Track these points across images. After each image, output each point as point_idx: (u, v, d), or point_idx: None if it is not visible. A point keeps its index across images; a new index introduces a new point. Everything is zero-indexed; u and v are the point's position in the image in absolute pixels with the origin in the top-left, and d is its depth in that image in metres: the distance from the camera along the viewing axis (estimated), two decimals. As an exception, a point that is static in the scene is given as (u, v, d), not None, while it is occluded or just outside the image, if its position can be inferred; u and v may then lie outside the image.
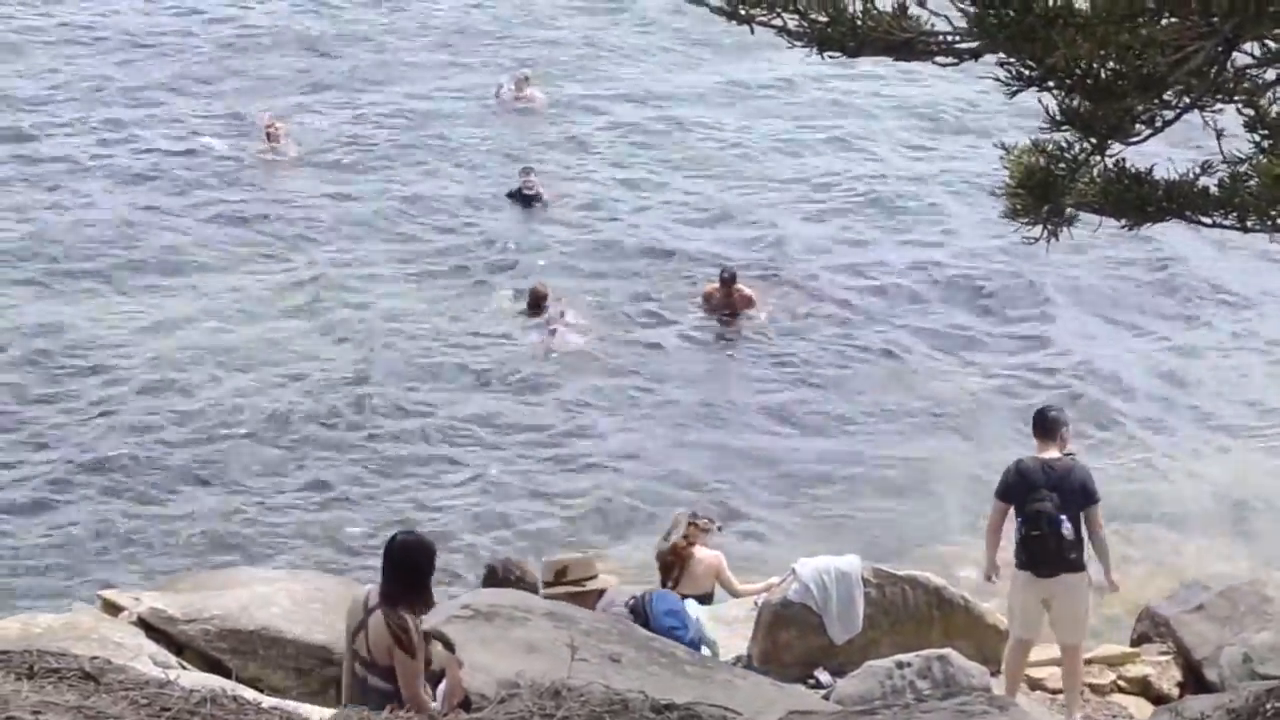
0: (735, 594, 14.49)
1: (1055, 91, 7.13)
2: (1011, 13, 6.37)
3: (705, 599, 14.09)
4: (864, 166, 26.21)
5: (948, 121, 27.62)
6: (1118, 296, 22.58)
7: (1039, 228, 7.85)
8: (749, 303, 21.48)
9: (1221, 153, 7.67)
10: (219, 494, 17.65)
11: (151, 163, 25.27)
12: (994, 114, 25.19)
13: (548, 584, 11.58)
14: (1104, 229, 8.02)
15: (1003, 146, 8.02)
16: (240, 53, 29.70)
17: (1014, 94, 6.73)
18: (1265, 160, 7.19)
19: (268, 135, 24.91)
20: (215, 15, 31.44)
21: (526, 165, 24.63)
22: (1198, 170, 7.82)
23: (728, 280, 21.46)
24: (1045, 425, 12.35)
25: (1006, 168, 7.99)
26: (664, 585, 13.92)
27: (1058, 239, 7.92)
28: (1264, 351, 21.17)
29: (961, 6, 6.49)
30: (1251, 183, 7.35)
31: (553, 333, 20.86)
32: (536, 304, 21.29)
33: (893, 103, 28.53)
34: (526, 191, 24.07)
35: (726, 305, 21.47)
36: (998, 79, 6.70)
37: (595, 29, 31.42)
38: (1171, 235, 20.33)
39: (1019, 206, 7.83)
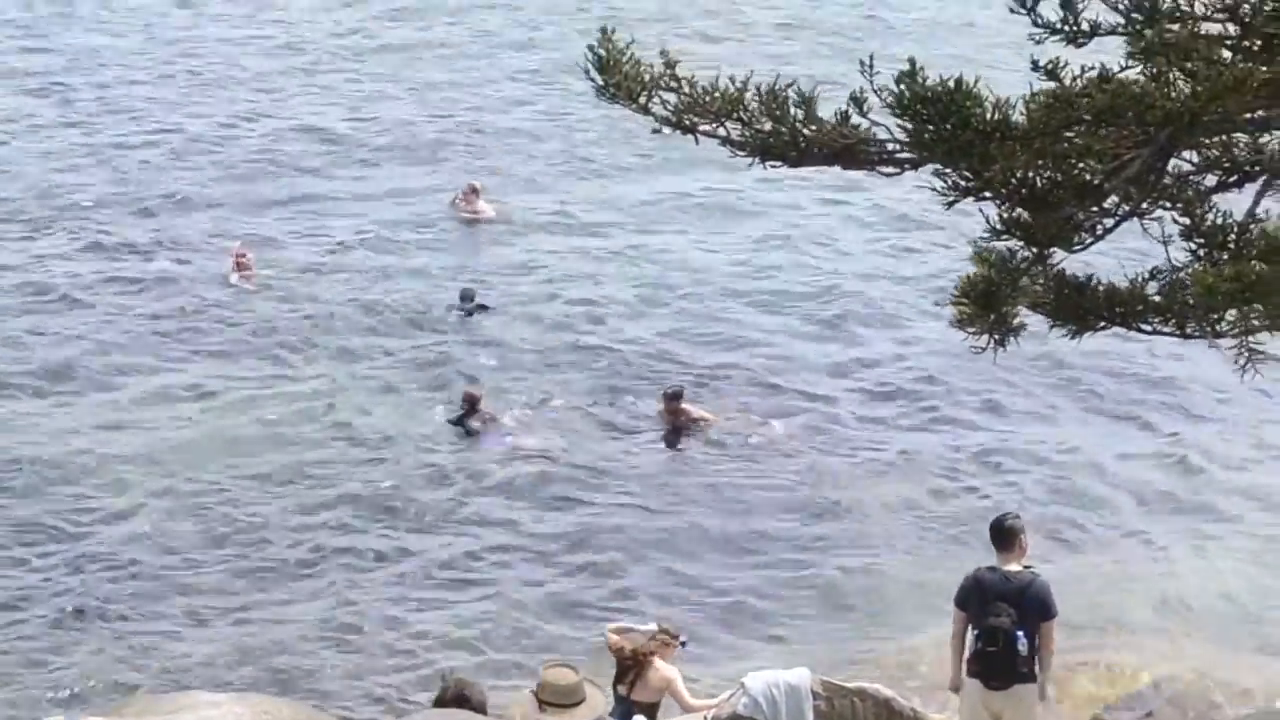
0: (686, 708, 14.40)
1: (995, 201, 7.23)
2: (949, 128, 6.47)
3: (653, 709, 14.02)
4: (817, 273, 26.38)
5: (907, 222, 27.85)
6: (1062, 400, 22.71)
7: (985, 337, 7.92)
8: (694, 419, 21.51)
9: (1169, 258, 7.77)
10: (165, 616, 17.47)
11: (116, 284, 25.27)
12: (954, 215, 25.37)
13: (542, 702, 11.33)
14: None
15: (971, 242, 8.10)
16: (212, 173, 29.77)
17: (950, 204, 6.82)
18: (1200, 269, 7.28)
19: (237, 265, 25.13)
20: (166, 130, 31.54)
21: (468, 287, 24.72)
22: (1142, 278, 7.92)
23: (672, 397, 21.49)
24: (1003, 534, 12.29)
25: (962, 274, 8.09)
26: (616, 685, 13.85)
27: (1004, 348, 7.99)
28: (1207, 452, 21.30)
29: (900, 122, 6.60)
30: (1189, 290, 7.44)
31: (487, 436, 20.92)
32: (471, 407, 21.32)
33: (847, 208, 28.78)
34: (467, 304, 24.14)
35: (672, 420, 21.50)
36: (934, 189, 6.79)
37: (547, 141, 31.64)
38: (1115, 338, 20.47)
39: (965, 315, 7.90)
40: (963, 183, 6.87)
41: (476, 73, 35.14)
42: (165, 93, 33.55)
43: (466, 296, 24.35)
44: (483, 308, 24.29)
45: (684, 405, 21.44)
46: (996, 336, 7.77)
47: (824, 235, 27.74)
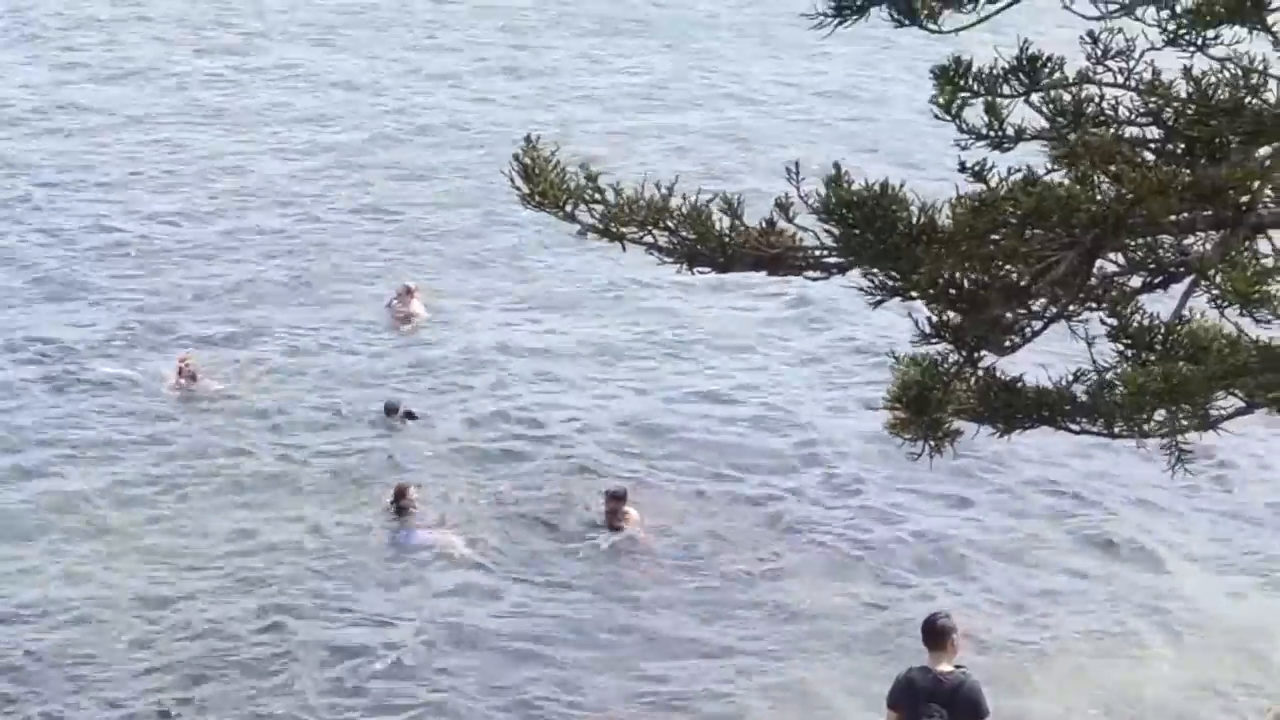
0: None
1: (924, 303, 7.24)
2: (875, 232, 6.48)
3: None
4: (759, 370, 26.37)
5: (838, 317, 27.87)
6: (997, 495, 22.74)
7: (920, 442, 7.92)
8: (635, 519, 21.39)
9: (1093, 360, 7.79)
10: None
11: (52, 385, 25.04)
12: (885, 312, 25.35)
13: None
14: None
15: (892, 355, 8.10)
16: (149, 273, 29.60)
17: (877, 304, 6.82)
18: (1130, 370, 7.31)
19: (179, 372, 24.98)
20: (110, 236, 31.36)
21: (391, 399, 24.55)
22: (1067, 379, 7.94)
23: (614, 496, 21.37)
24: (934, 633, 12.24)
25: (894, 377, 8.09)
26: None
27: (940, 454, 7.99)
28: (1141, 548, 21.34)
29: (827, 227, 6.60)
30: (1118, 390, 7.47)
31: (413, 532, 20.79)
32: (399, 500, 21.20)
33: (767, 311, 28.82)
34: (393, 415, 24.00)
35: (614, 521, 21.36)
36: (861, 289, 6.79)
37: (483, 238, 31.60)
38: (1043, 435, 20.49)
39: (899, 420, 7.90)
40: (890, 283, 6.87)
41: (412, 168, 35.15)
42: (100, 191, 33.40)
43: (391, 409, 24.20)
44: (410, 415, 24.13)
45: (626, 507, 21.33)
46: (932, 442, 7.77)
47: (761, 331, 27.76)
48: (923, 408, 7.64)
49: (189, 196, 33.41)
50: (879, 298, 7.19)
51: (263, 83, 40.37)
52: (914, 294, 7.23)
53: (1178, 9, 7.54)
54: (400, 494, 21.24)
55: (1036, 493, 22.74)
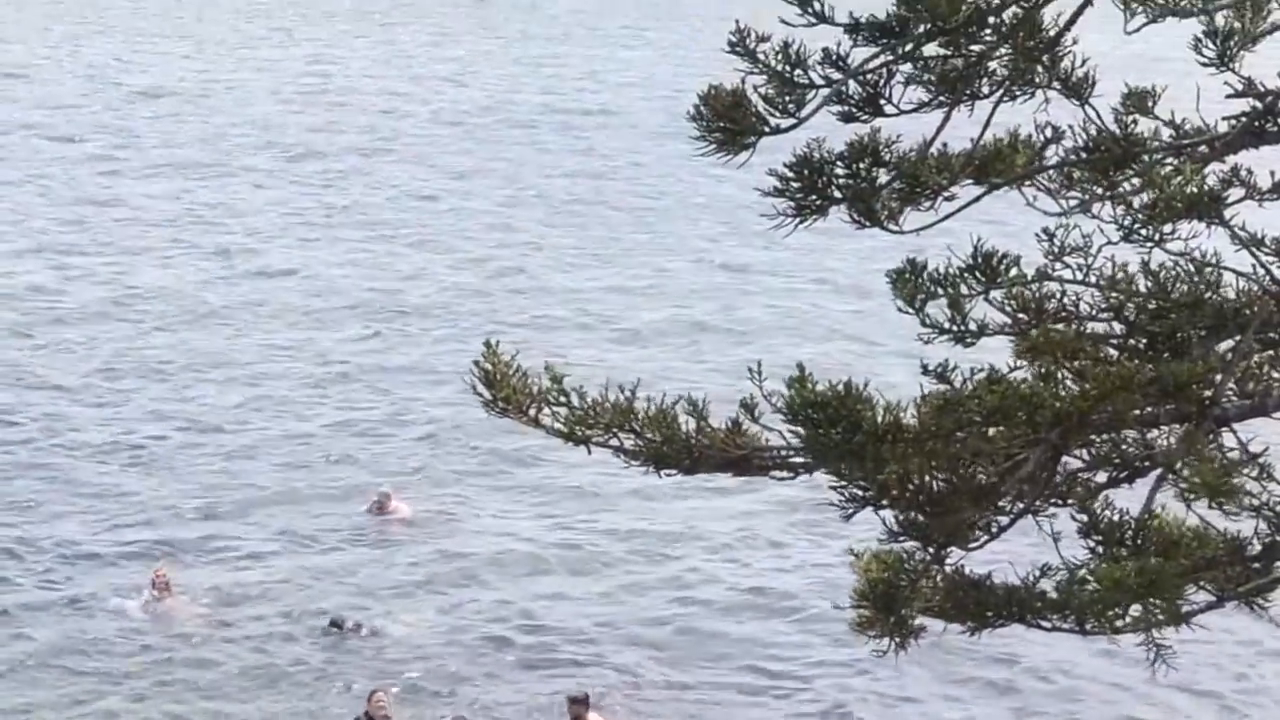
0: None
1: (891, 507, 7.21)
2: (840, 433, 6.46)
3: None
4: (743, 568, 26.20)
5: (800, 515, 27.74)
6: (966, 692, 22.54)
7: (887, 640, 7.83)
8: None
9: (1061, 556, 7.74)
10: None
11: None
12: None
13: None
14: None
15: (853, 552, 8.04)
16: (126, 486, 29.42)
17: (849, 516, 6.78)
18: (1105, 565, 7.25)
19: (153, 584, 24.78)
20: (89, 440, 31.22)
21: (336, 616, 24.27)
22: (1036, 575, 7.87)
23: (576, 701, 21.13)
24: None
25: (856, 575, 8.01)
26: None
27: (906, 650, 7.89)
28: None
29: (791, 428, 6.58)
30: (1089, 586, 7.40)
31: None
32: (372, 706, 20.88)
33: (751, 497, 28.65)
34: (333, 630, 23.77)
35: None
36: (832, 503, 6.76)
37: (451, 443, 31.47)
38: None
39: (865, 618, 7.82)
40: (860, 493, 6.84)
41: (387, 369, 35.11)
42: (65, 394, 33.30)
43: (336, 624, 23.96)
44: (357, 626, 23.82)
45: (590, 714, 21.07)
46: (897, 639, 7.69)
47: (730, 527, 27.62)
48: (890, 606, 7.57)
49: (172, 396, 33.34)
50: (850, 510, 7.16)
51: (248, 280, 40.54)
52: (883, 502, 7.21)
53: (1134, 204, 7.62)
54: (372, 700, 20.94)
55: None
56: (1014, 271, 7.23)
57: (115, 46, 71.38)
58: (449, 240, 43.89)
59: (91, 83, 61.90)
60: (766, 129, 6.73)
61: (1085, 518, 7.46)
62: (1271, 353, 7.88)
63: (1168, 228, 7.51)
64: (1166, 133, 7.83)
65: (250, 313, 38.67)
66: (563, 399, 6.83)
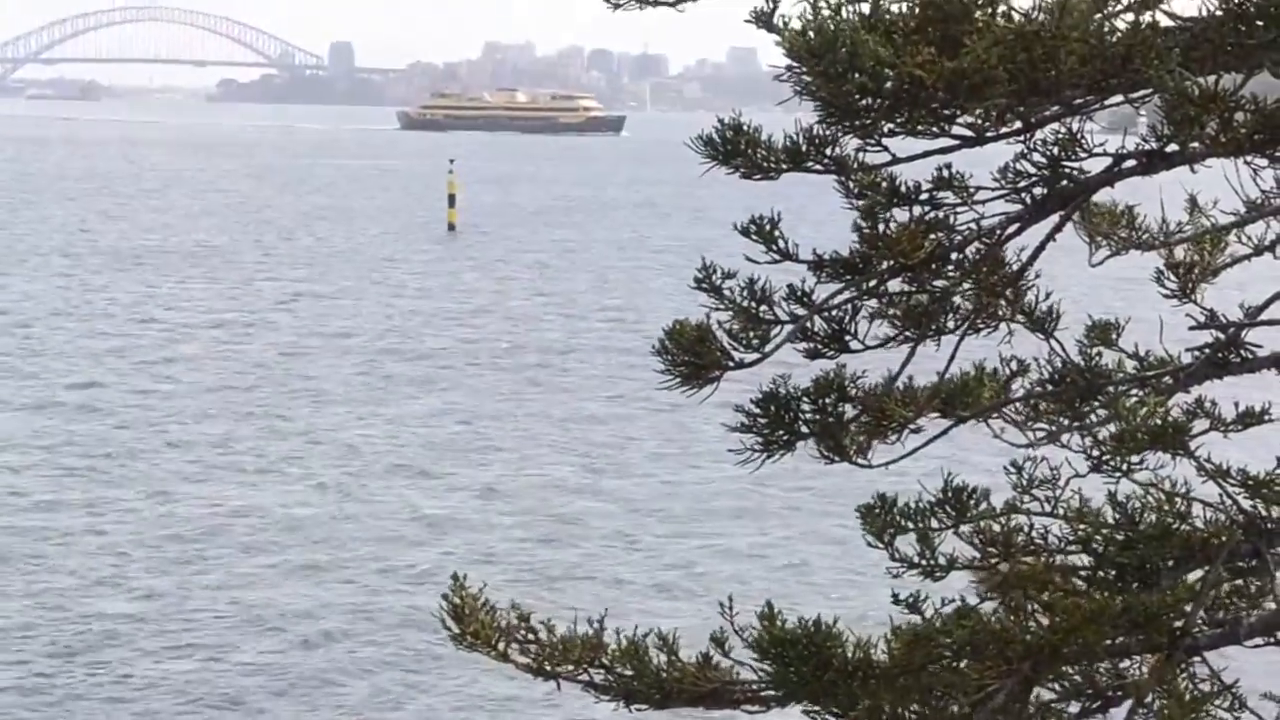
0: None
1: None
2: (810, 669, 6.43)
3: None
4: None
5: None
6: None
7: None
8: None
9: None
10: None
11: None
12: None
13: None
14: None
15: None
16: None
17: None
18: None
19: None
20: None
21: None
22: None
23: None
24: None
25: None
26: None
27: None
28: None
29: (759, 666, 6.56)
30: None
31: None
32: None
33: None
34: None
35: None
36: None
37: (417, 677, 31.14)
38: None
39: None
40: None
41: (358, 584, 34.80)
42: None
43: None
44: None
45: None
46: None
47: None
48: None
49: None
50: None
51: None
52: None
53: (1101, 436, 7.66)
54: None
55: None
56: (983, 506, 7.26)
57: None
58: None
59: None
60: (730, 364, 6.79)
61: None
62: (1240, 582, 7.89)
63: (1135, 458, 7.54)
64: (1131, 364, 7.91)
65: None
66: (531, 634, 6.80)
